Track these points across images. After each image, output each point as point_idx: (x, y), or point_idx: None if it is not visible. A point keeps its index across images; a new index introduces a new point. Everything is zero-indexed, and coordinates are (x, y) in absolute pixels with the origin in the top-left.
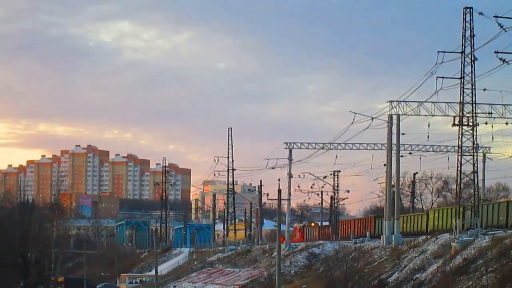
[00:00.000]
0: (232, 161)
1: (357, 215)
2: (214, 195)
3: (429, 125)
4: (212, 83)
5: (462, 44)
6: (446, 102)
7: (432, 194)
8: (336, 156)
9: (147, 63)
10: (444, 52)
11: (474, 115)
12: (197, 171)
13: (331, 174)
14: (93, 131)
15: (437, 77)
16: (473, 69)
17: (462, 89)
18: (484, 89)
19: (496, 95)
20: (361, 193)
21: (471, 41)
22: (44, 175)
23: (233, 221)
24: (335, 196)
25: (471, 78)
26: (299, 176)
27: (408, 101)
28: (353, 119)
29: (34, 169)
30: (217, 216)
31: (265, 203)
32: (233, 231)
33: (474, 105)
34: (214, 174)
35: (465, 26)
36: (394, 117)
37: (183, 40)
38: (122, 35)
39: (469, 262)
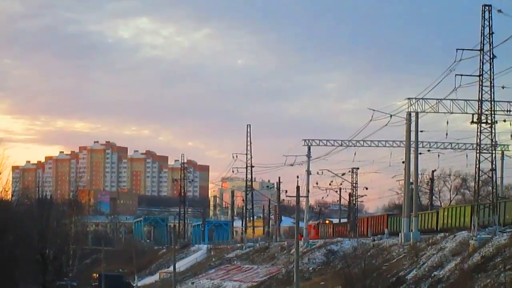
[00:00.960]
0: (251, 158)
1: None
2: (232, 192)
3: (447, 123)
4: (231, 80)
5: (481, 42)
6: (465, 100)
7: (450, 191)
8: (355, 153)
9: (166, 60)
10: (463, 49)
11: (492, 112)
12: (216, 168)
13: (349, 171)
14: (111, 127)
15: (456, 75)
16: (492, 66)
17: (480, 86)
18: (503, 87)
19: None
20: (380, 190)
21: (490, 39)
22: (62, 172)
23: (251, 218)
24: (354, 193)
25: (490, 75)
26: (318, 173)
27: (426, 99)
28: (372, 117)
29: (52, 166)
30: (235, 213)
31: (283, 200)
32: (252, 228)
33: (492, 102)
34: (233, 171)
35: (484, 23)
36: (413, 114)
37: (202, 37)
38: (140, 31)
39: (487, 260)
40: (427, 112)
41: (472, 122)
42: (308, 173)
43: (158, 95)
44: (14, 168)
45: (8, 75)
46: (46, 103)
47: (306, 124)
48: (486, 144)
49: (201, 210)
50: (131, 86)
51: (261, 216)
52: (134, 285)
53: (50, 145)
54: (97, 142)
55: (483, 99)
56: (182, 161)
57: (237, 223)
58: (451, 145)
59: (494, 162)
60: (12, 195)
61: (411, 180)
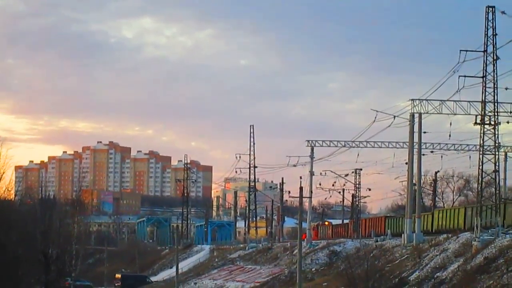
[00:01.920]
0: (254, 158)
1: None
2: (235, 192)
3: (451, 124)
4: (234, 80)
5: (484, 43)
6: (468, 101)
7: (453, 192)
8: (358, 154)
9: (169, 60)
10: (466, 51)
11: (496, 114)
12: (219, 168)
13: (352, 172)
14: (114, 127)
15: (459, 76)
16: (495, 68)
17: (484, 88)
18: (506, 88)
19: None
20: (383, 191)
21: (493, 40)
22: (65, 171)
23: (254, 218)
24: (357, 194)
25: (493, 77)
26: (321, 174)
27: (430, 100)
28: (375, 117)
29: (55, 165)
30: (238, 213)
31: (286, 200)
32: (254, 228)
33: (496, 104)
34: (236, 171)
35: (488, 25)
36: (416, 115)
37: (205, 36)
38: (144, 31)
39: (490, 261)
40: (430, 113)
41: (476, 123)
42: (311, 173)
43: (161, 95)
44: (17, 168)
45: (11, 74)
46: (49, 102)
47: (309, 124)
48: (489, 146)
49: (204, 210)
50: (134, 85)
51: (264, 217)
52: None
53: (53, 144)
54: (100, 142)
55: (486, 100)
56: (185, 162)
57: (240, 224)
58: (454, 146)
59: (497, 164)
60: (15, 195)
61: (414, 181)
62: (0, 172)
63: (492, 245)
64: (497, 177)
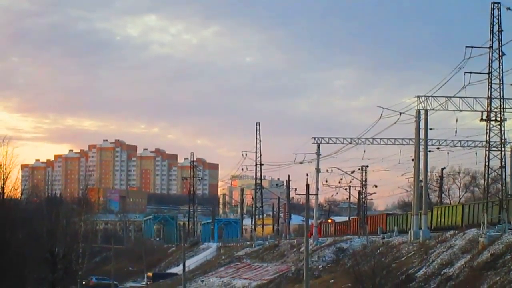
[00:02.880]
0: (260, 155)
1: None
2: (242, 190)
3: (457, 120)
4: (239, 78)
5: (490, 39)
6: (474, 97)
7: (460, 189)
8: (364, 151)
9: (174, 57)
10: (472, 47)
11: (502, 110)
12: (225, 166)
13: (359, 169)
14: (120, 125)
15: (465, 72)
16: (501, 64)
17: (490, 84)
18: None
19: None
20: (389, 188)
21: (499, 36)
22: (71, 170)
23: (261, 216)
24: (363, 191)
25: (499, 73)
26: (327, 171)
27: (436, 96)
28: (381, 114)
29: (61, 164)
30: (244, 211)
31: (293, 197)
32: (261, 226)
33: (502, 100)
34: (242, 169)
35: (493, 21)
36: (422, 112)
37: (210, 34)
38: (149, 29)
39: (496, 257)
40: (436, 110)
41: (481, 119)
42: (318, 171)
43: (166, 93)
44: (24, 167)
45: (16, 73)
46: (55, 101)
47: (315, 121)
48: (495, 142)
49: (210, 208)
50: (140, 83)
51: (271, 214)
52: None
53: (59, 143)
54: (107, 140)
55: (492, 96)
56: (192, 159)
57: (247, 221)
58: (461, 143)
59: (503, 160)
60: (22, 194)
61: (420, 178)
62: (7, 171)
63: (499, 241)
64: (504, 173)
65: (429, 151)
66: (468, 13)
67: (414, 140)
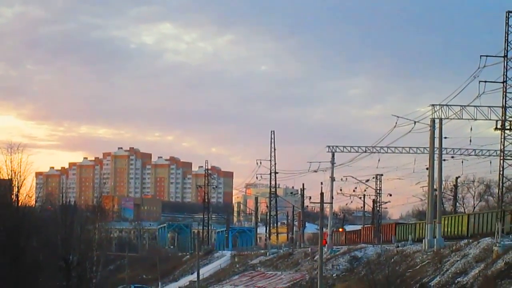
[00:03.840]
0: (275, 164)
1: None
2: (256, 198)
3: (471, 129)
4: (254, 86)
5: (505, 48)
6: (489, 106)
7: (474, 198)
8: (379, 160)
9: (189, 66)
10: (486, 56)
11: None
12: (240, 174)
13: (373, 178)
14: (134, 133)
15: (480, 81)
16: None
17: (504, 93)
18: None
19: None
20: (404, 197)
21: None
22: (86, 178)
23: (275, 224)
24: (377, 200)
25: None
26: (342, 179)
27: (450, 105)
28: (396, 123)
29: (76, 172)
30: (259, 219)
31: (307, 206)
32: (275, 234)
33: None
34: (257, 177)
35: (508, 30)
36: (437, 121)
37: (225, 42)
38: (163, 37)
39: (510, 266)
40: (451, 119)
41: (496, 128)
42: (332, 179)
43: (181, 101)
44: (38, 174)
45: (31, 80)
46: (69, 108)
47: (330, 130)
48: (510, 151)
49: (225, 216)
50: (154, 91)
51: (285, 223)
52: None
53: (73, 151)
54: (121, 148)
55: (507, 105)
56: (206, 168)
57: (261, 230)
58: (475, 152)
59: None
60: (36, 201)
61: (435, 187)
62: (21, 178)
63: None
64: None
65: (444, 160)
66: (483, 22)
67: (428, 149)
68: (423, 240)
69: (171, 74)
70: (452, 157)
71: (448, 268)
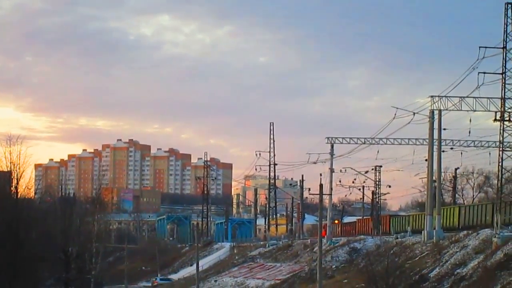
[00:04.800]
0: (274, 155)
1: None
2: (255, 190)
3: (470, 121)
4: (253, 77)
5: (504, 40)
6: (488, 98)
7: (473, 189)
8: (378, 151)
9: (187, 57)
10: (485, 47)
11: None
12: (239, 166)
13: (372, 169)
14: (133, 125)
15: (479, 73)
16: None
17: (503, 84)
18: None
19: None
20: (403, 188)
21: None
22: (85, 169)
23: (274, 215)
24: (377, 191)
25: None
26: (341, 171)
27: (449, 96)
28: (395, 114)
29: (75, 163)
30: (258, 211)
31: (306, 197)
32: (275, 225)
33: None
34: (256, 169)
35: (507, 21)
36: (436, 112)
37: (224, 34)
38: (162, 29)
39: (510, 257)
40: (450, 110)
41: (495, 120)
42: (331, 171)
43: (180, 93)
44: (37, 166)
45: (30, 72)
46: (68, 100)
47: (329, 121)
48: (509, 142)
49: (224, 208)
50: (153, 83)
51: (284, 214)
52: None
53: (72, 142)
54: (120, 140)
55: (506, 97)
56: (205, 159)
57: (260, 221)
58: (474, 143)
59: None
60: (35, 193)
61: (434, 178)
62: (20, 170)
63: None
64: None
65: (443, 151)
66: (482, 14)
67: (427, 140)
68: (422, 232)
69: (169, 66)
70: (451, 148)
71: (448, 260)
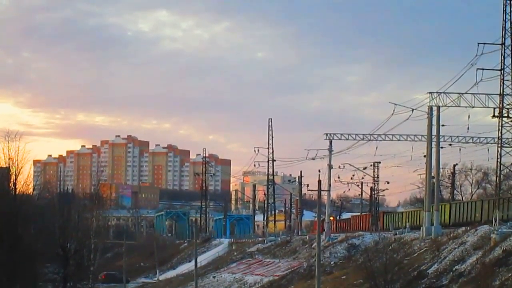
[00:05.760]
0: (272, 151)
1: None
2: (254, 186)
3: (469, 117)
4: (251, 73)
5: (502, 36)
6: (486, 94)
7: (472, 185)
8: (376, 147)
9: (185, 53)
10: (484, 43)
11: None
12: (237, 162)
13: (371, 165)
14: (131, 121)
15: (477, 69)
16: None
17: (502, 80)
18: None
19: None
20: (401, 185)
21: (511, 33)
22: (84, 166)
23: (273, 212)
24: (375, 187)
25: (511, 69)
26: (339, 167)
27: (448, 93)
28: (393, 110)
29: (74, 160)
30: (257, 207)
31: (305, 194)
32: (273, 222)
33: None
34: (254, 165)
35: (505, 17)
36: (434, 108)
37: (222, 29)
38: (160, 24)
39: (508, 254)
40: (448, 106)
41: (494, 116)
42: (330, 167)
43: (178, 88)
44: (36, 162)
45: (28, 68)
46: (66, 96)
47: (328, 117)
48: (507, 138)
49: (222, 204)
50: (151, 79)
51: (283, 210)
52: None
53: (71, 138)
54: (119, 136)
55: (504, 93)
56: (204, 155)
57: (259, 217)
58: (473, 139)
59: None
60: (34, 189)
61: (432, 174)
62: (19, 166)
63: (511, 238)
64: None
65: (441, 147)
66: (480, 10)
67: (426, 137)
68: (421, 228)
69: (167, 62)
70: (450, 144)
71: (446, 256)
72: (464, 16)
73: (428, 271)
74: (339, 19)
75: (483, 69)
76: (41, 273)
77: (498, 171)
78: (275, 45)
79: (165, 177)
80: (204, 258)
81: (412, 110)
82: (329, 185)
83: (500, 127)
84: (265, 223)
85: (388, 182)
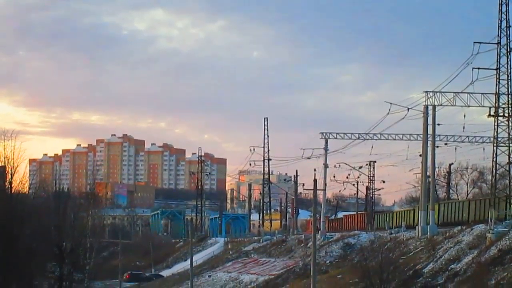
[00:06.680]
0: (268, 151)
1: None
2: (249, 185)
3: (464, 116)
4: (246, 72)
5: (498, 35)
6: (482, 93)
7: (467, 184)
8: (372, 147)
9: (181, 52)
10: (480, 43)
11: (509, 106)
12: (233, 161)
13: (366, 165)
14: (127, 120)
15: (473, 68)
16: (509, 60)
17: (497, 80)
18: None
19: None
20: (397, 184)
21: (507, 32)
22: (79, 164)
23: (268, 211)
24: (371, 187)
25: (507, 69)
26: (335, 166)
27: (444, 92)
28: (389, 110)
29: (69, 158)
30: (252, 206)
31: (300, 193)
32: (269, 221)
33: (509, 96)
34: (250, 164)
35: (501, 17)
36: (430, 107)
37: (217, 28)
38: (156, 23)
39: (504, 253)
40: (444, 105)
41: (489, 115)
42: (325, 166)
43: (173, 87)
44: (31, 161)
45: (23, 67)
46: (62, 95)
47: (323, 116)
48: (503, 138)
49: (218, 203)
50: (147, 78)
51: (278, 209)
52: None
53: (66, 137)
54: (114, 135)
55: (500, 92)
56: (199, 154)
57: (254, 216)
58: (468, 139)
59: (511, 155)
60: (29, 188)
61: (428, 174)
62: (14, 165)
63: (506, 237)
64: (511, 169)
65: (437, 146)
66: (476, 9)
67: (422, 136)
68: (417, 227)
69: (163, 61)
70: (446, 143)
71: (442, 255)
72: (460, 15)
73: (423, 270)
74: (334, 18)
75: (478, 68)
76: (37, 272)
77: (494, 170)
78: (271, 45)
79: (161, 176)
80: (199, 257)
81: (408, 109)
82: (325, 184)
83: (495, 126)
84: (260, 222)
85: (383, 181)
